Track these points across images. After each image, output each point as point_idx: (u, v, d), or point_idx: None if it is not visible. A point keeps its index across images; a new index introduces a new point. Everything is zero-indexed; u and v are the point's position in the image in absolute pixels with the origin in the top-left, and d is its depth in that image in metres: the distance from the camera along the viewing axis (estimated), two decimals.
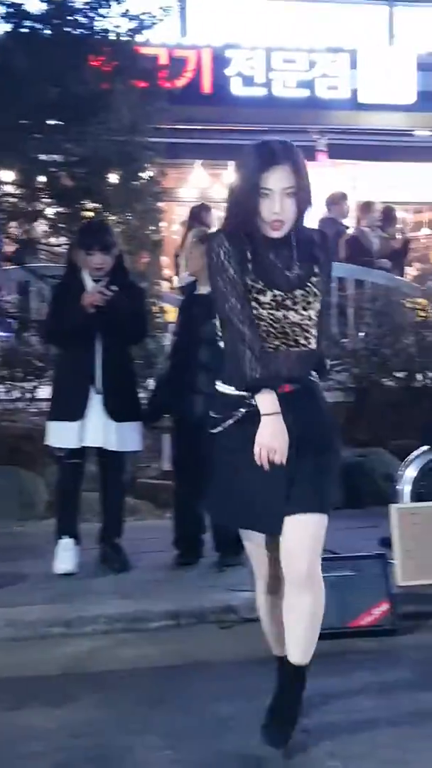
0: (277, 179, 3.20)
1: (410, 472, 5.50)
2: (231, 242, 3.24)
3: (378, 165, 13.58)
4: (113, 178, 7.66)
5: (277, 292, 3.23)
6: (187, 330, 5.56)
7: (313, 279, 3.30)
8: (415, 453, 5.56)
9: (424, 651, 4.47)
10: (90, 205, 7.44)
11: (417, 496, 5.55)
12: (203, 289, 5.50)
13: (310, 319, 3.27)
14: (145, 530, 6.20)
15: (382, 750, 3.42)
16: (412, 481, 5.48)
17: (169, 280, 12.23)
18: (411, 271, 12.48)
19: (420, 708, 3.79)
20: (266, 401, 3.17)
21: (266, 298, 3.22)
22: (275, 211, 3.20)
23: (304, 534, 3.25)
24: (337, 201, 10.18)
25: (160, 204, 8.28)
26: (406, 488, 5.49)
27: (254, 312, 3.22)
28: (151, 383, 7.65)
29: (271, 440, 3.16)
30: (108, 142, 7.11)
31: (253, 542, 3.38)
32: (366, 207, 9.84)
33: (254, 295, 3.22)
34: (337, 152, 12.95)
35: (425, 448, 5.54)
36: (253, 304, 3.22)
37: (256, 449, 3.17)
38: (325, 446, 3.32)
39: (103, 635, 4.67)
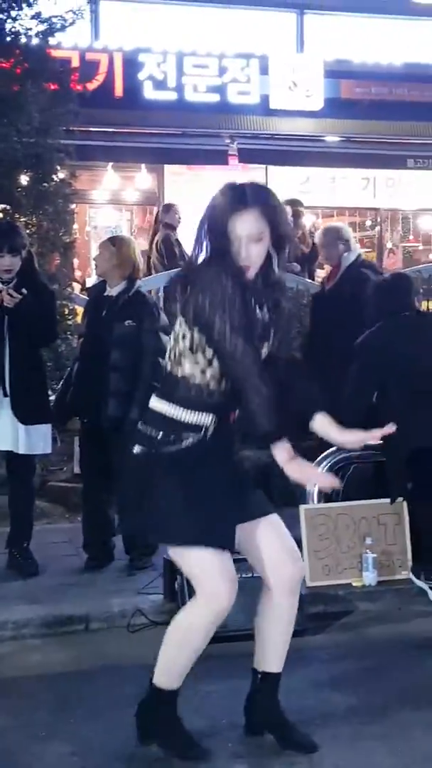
0: (243, 226, 3.21)
1: None
2: (236, 277, 3.21)
3: (288, 170, 13.68)
4: (24, 179, 7.58)
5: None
6: (95, 331, 5.51)
7: (276, 327, 3.35)
8: (324, 454, 5.58)
9: (331, 651, 4.51)
10: (0, 206, 7.34)
11: (325, 497, 5.58)
12: (113, 291, 5.47)
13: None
14: (55, 534, 6.13)
15: (287, 751, 3.44)
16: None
17: (81, 282, 12.13)
18: (321, 274, 12.61)
19: (327, 708, 3.83)
20: (284, 450, 3.18)
21: None
22: (242, 255, 3.23)
23: (280, 530, 3.41)
24: None
25: (71, 206, 8.22)
26: (314, 489, 5.51)
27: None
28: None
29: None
30: (18, 143, 7.04)
31: (223, 559, 3.29)
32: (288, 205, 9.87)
33: None
34: (248, 156, 13.00)
35: (333, 449, 5.56)
36: None
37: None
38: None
39: (11, 641, 4.61)
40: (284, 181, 13.79)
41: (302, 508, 5.30)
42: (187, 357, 3.27)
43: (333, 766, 3.36)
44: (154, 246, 10.59)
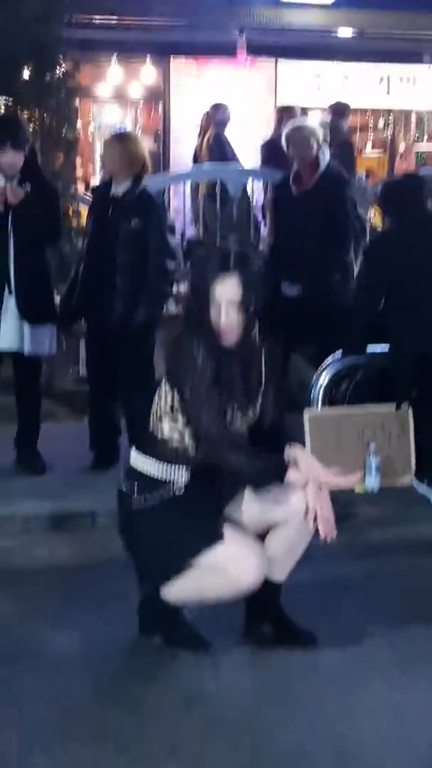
0: (223, 291, 3.37)
1: (323, 379, 5.63)
2: (205, 348, 3.37)
3: (299, 66, 13.48)
4: (25, 72, 7.51)
5: (235, 408, 3.45)
6: (101, 231, 5.55)
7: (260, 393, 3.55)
8: (329, 359, 5.69)
9: (332, 553, 4.53)
10: (1, 100, 7.30)
11: (330, 402, 5.70)
12: (119, 189, 5.50)
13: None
14: (62, 434, 6.25)
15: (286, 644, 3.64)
16: (325, 387, 5.62)
17: (85, 181, 12.09)
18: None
19: (327, 607, 4.04)
20: (292, 474, 3.43)
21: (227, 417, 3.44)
22: (222, 320, 3.36)
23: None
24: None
25: (74, 101, 8.16)
26: (319, 395, 5.63)
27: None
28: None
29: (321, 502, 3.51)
30: (18, 33, 6.95)
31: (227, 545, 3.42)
32: (285, 112, 9.82)
33: None
34: (257, 50, 12.82)
35: (338, 354, 5.67)
36: None
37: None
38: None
39: (20, 534, 4.78)
40: (294, 78, 13.64)
41: (306, 413, 5.41)
42: (167, 417, 3.44)
43: (331, 658, 3.56)
44: (204, 144, 10.54)
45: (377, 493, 5.22)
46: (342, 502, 5.11)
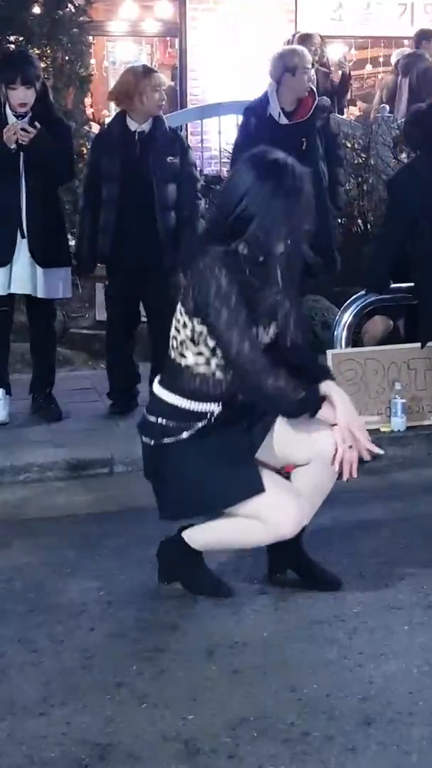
0: None
1: (346, 318, 5.57)
2: (230, 269, 3.23)
3: None
4: (36, 8, 7.39)
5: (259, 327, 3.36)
6: (131, 170, 5.43)
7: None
8: (352, 298, 5.62)
9: (358, 495, 4.58)
10: (11, 36, 7.19)
11: (353, 341, 5.64)
12: (144, 126, 5.40)
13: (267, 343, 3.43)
14: (78, 381, 6.26)
15: (312, 588, 3.61)
16: (348, 327, 5.55)
17: (99, 121, 11.94)
18: (354, 111, 12.33)
19: (352, 549, 4.01)
20: (325, 411, 3.29)
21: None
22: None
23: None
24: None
25: (87, 37, 8.03)
26: (342, 334, 5.57)
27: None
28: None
29: (350, 417, 3.32)
30: None
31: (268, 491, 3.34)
32: (305, 39, 9.60)
33: None
34: None
35: (361, 292, 5.59)
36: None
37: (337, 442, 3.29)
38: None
39: (36, 483, 4.78)
40: (315, 7, 13.35)
41: (329, 352, 5.36)
42: (189, 347, 3.33)
43: (356, 601, 3.52)
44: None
45: (403, 434, 5.19)
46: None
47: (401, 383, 5.27)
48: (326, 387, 3.32)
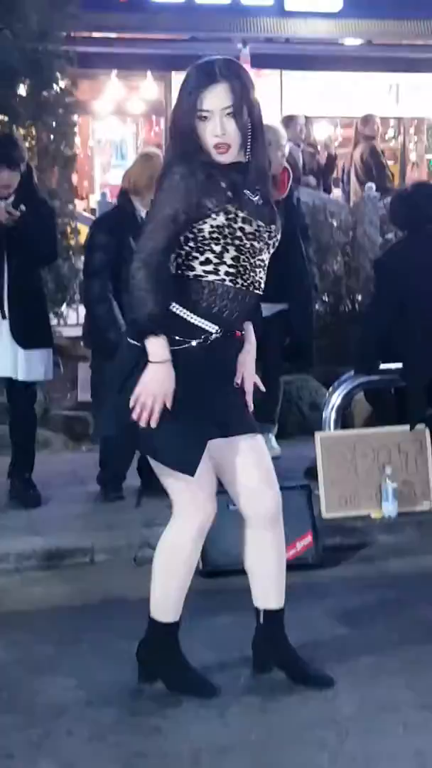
0: (214, 99, 3.16)
1: (334, 399, 5.52)
2: (203, 169, 3.19)
3: (305, 76, 13.51)
4: (22, 89, 7.50)
5: (260, 223, 3.26)
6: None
7: (277, 215, 3.35)
8: (341, 379, 5.58)
9: (348, 584, 4.55)
10: None
11: (342, 423, 5.59)
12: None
13: (267, 261, 3.33)
14: (59, 464, 6.18)
15: (302, 687, 3.48)
16: (336, 409, 5.50)
17: (84, 198, 12.05)
18: (337, 192, 12.49)
19: (344, 642, 3.88)
20: (158, 347, 3.17)
21: (251, 228, 3.23)
22: (217, 133, 3.18)
23: (257, 446, 3.41)
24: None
25: (72, 117, 8.14)
26: (331, 416, 5.52)
27: (235, 243, 3.21)
28: (64, 309, 7.58)
29: (158, 388, 3.17)
30: (15, 50, 6.95)
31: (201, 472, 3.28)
32: (289, 120, 9.75)
33: (240, 224, 3.21)
34: (261, 62, 12.83)
35: (350, 373, 5.56)
36: (238, 233, 3.21)
37: (137, 394, 3.17)
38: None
39: (13, 573, 4.67)
40: (300, 88, 13.64)
41: (318, 434, 5.31)
42: (196, 257, 3.24)
43: (348, 700, 3.40)
44: (358, 159, 10.55)
45: (395, 520, 5.11)
46: (359, 529, 5.04)
47: (392, 467, 5.20)
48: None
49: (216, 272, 3.22)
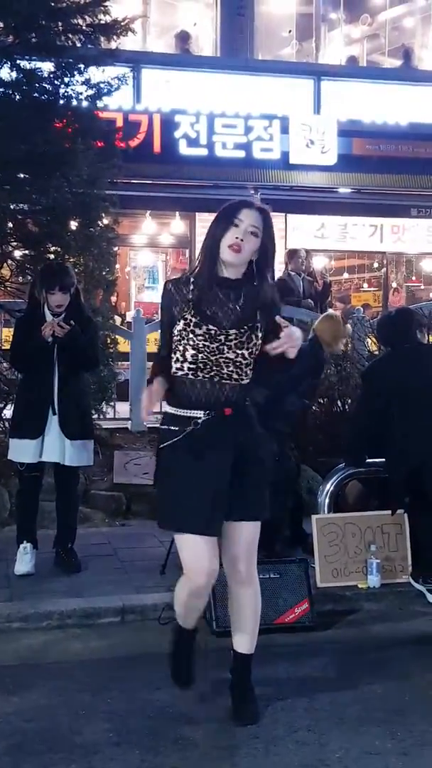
0: (247, 216, 3.31)
1: (328, 487, 5.52)
2: (176, 287, 3.36)
3: (305, 218, 13.74)
4: (73, 225, 7.65)
5: (211, 327, 3.30)
6: None
7: (251, 325, 3.35)
8: (334, 470, 5.59)
9: (338, 645, 4.50)
10: (52, 248, 7.42)
11: (334, 507, 5.58)
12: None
13: (244, 357, 3.33)
14: (96, 536, 6.15)
15: (299, 733, 3.46)
16: (330, 495, 5.50)
17: (122, 315, 12.19)
18: (332, 311, 12.63)
19: (334, 696, 3.83)
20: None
21: (200, 330, 3.30)
22: (238, 236, 3.28)
23: (241, 540, 3.41)
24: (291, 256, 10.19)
25: (114, 248, 8.28)
26: (325, 501, 5.52)
27: (190, 343, 3.28)
28: (103, 406, 7.62)
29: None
30: (69, 193, 7.10)
31: (195, 546, 3.34)
32: (292, 253, 9.94)
33: (191, 328, 3.29)
34: (269, 205, 13.04)
35: (341, 465, 5.57)
36: (190, 335, 3.28)
37: None
38: (259, 462, 3.42)
39: (57, 629, 4.62)
40: (301, 227, 13.87)
41: (314, 517, 5.30)
42: (173, 358, 3.36)
43: (338, 747, 3.35)
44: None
45: (378, 590, 5.07)
46: (348, 598, 5.00)
47: (376, 545, 5.18)
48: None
49: (182, 369, 3.32)
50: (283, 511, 5.46)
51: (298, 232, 13.79)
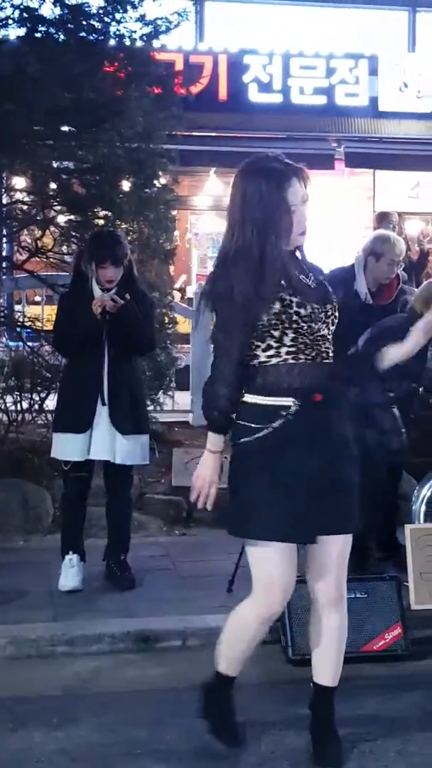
0: (296, 194, 3.37)
1: (425, 492, 5.46)
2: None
3: (397, 174, 13.59)
4: (125, 185, 7.67)
5: (315, 306, 3.36)
6: None
7: (334, 300, 3.46)
8: (427, 475, 5.52)
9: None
10: (102, 213, 7.45)
11: None
12: None
13: (330, 333, 3.43)
14: (153, 547, 6.18)
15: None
16: (427, 501, 5.44)
17: (182, 290, 12.21)
18: None
19: (429, 738, 3.77)
20: (215, 439, 3.41)
21: (306, 311, 3.34)
22: (299, 220, 3.37)
23: (334, 554, 3.44)
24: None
25: (172, 212, 8.29)
26: (420, 509, 5.46)
27: (294, 326, 3.32)
28: (160, 396, 7.64)
29: (212, 474, 3.42)
30: (121, 149, 7.12)
31: (276, 561, 3.36)
32: (382, 217, 9.83)
33: (295, 309, 3.32)
34: (355, 160, 12.98)
35: None
36: (294, 317, 3.32)
37: (194, 479, 3.44)
38: (351, 455, 3.44)
39: (107, 655, 4.66)
40: (392, 186, 13.72)
41: (408, 527, 5.23)
42: (258, 346, 3.36)
43: None
44: None
45: None
46: None
47: None
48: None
49: (278, 355, 3.33)
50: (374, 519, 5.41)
51: (388, 192, 13.66)
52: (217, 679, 3.61)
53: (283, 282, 3.32)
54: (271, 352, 3.34)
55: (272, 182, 3.34)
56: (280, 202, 3.33)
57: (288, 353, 3.33)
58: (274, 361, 3.34)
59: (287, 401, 3.32)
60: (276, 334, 3.32)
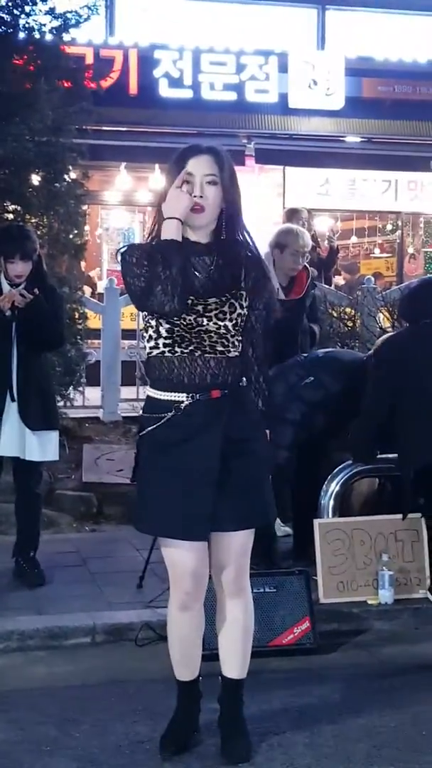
0: (198, 165, 3.31)
1: (333, 487, 5.51)
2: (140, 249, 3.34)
3: (307, 171, 13.71)
4: (35, 179, 7.62)
5: (192, 298, 3.31)
6: None
7: (234, 292, 3.37)
8: (339, 467, 5.58)
9: (344, 671, 4.51)
10: (11, 207, 7.39)
11: (340, 510, 5.58)
12: None
13: (227, 329, 3.34)
14: (63, 544, 6.16)
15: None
16: (335, 496, 5.50)
17: (92, 285, 12.14)
18: (338, 280, 12.64)
19: (340, 730, 3.83)
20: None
21: None
22: (196, 194, 3.30)
23: (233, 547, 3.43)
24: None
25: (83, 207, 8.26)
26: (329, 503, 5.51)
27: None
28: (71, 391, 7.61)
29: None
30: (30, 142, 7.08)
31: (180, 549, 3.37)
32: (292, 214, 9.90)
33: None
34: (265, 157, 13.06)
35: (348, 462, 5.56)
36: None
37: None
38: (253, 453, 3.41)
39: (16, 652, 4.63)
40: (302, 183, 13.85)
41: (316, 522, 5.30)
42: (144, 337, 3.41)
43: None
44: None
45: (391, 606, 5.09)
46: (355, 616, 5.02)
47: (389, 554, 5.20)
48: None
49: (157, 347, 3.35)
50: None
51: (298, 189, 13.78)
52: (182, 690, 3.58)
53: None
54: (152, 343, 3.35)
55: (174, 158, 3.35)
56: (172, 175, 3.33)
57: (165, 345, 3.33)
58: (155, 353, 3.35)
59: (180, 396, 3.32)
60: (153, 323, 3.34)
